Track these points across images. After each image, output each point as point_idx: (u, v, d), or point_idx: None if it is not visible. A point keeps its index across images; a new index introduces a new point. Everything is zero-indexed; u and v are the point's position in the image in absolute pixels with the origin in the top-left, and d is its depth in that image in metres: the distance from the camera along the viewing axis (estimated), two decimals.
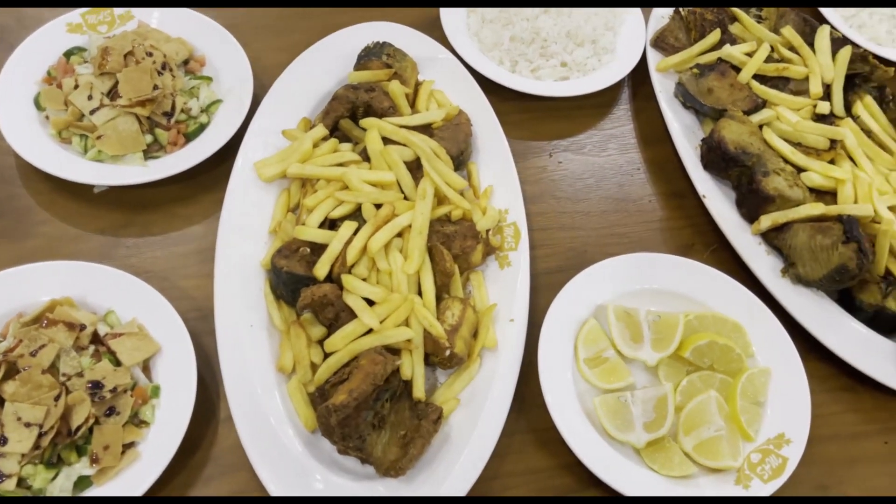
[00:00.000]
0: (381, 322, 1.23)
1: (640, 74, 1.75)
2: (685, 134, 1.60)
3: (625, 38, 1.75)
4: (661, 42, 1.73)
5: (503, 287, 1.39)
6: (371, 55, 1.57)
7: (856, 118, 1.59)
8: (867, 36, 1.86)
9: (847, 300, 1.44)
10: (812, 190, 1.49)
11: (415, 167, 1.42)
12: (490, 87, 1.64)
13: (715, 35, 1.67)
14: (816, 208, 1.43)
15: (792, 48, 1.67)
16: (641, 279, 1.41)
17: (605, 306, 1.37)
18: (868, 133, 1.58)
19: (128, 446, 1.17)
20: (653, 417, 1.26)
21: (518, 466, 1.27)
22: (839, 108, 1.62)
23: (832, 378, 1.41)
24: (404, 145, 1.43)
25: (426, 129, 1.51)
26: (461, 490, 1.16)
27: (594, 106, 1.72)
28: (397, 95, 1.50)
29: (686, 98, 1.63)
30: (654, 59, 1.72)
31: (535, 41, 1.68)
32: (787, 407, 1.30)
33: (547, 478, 1.26)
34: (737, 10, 1.70)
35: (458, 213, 1.41)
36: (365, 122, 1.45)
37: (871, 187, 1.44)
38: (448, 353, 1.24)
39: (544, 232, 1.55)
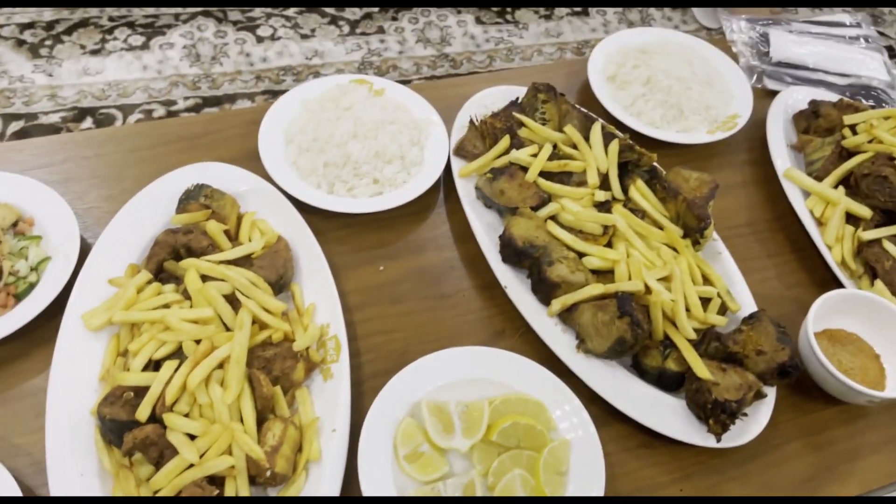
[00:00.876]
0: (203, 454, 1.33)
1: (449, 180, 1.94)
2: (488, 232, 1.79)
3: (431, 151, 1.95)
4: (462, 151, 1.94)
5: (327, 399, 1.51)
6: (190, 198, 1.71)
7: (627, 202, 1.82)
8: (645, 121, 2.13)
9: (637, 365, 1.63)
10: (595, 272, 1.69)
11: (235, 298, 1.55)
12: (311, 209, 1.80)
13: (505, 141, 1.89)
14: (596, 289, 1.62)
15: (574, 145, 1.91)
16: (453, 372, 1.56)
17: (419, 403, 1.51)
18: (643, 213, 1.81)
19: None
20: None
21: None
22: (618, 193, 1.84)
23: (631, 437, 1.59)
24: (223, 280, 1.56)
25: (247, 259, 1.64)
26: None
27: (410, 213, 1.90)
28: (215, 234, 1.64)
29: (484, 200, 1.83)
30: (457, 166, 1.92)
31: (347, 164, 1.86)
32: (586, 472, 1.46)
33: None
34: (523, 117, 1.93)
35: (278, 335, 1.54)
36: (184, 263, 1.57)
37: (640, 264, 1.65)
38: (269, 473, 1.35)
39: (369, 338, 1.69)
